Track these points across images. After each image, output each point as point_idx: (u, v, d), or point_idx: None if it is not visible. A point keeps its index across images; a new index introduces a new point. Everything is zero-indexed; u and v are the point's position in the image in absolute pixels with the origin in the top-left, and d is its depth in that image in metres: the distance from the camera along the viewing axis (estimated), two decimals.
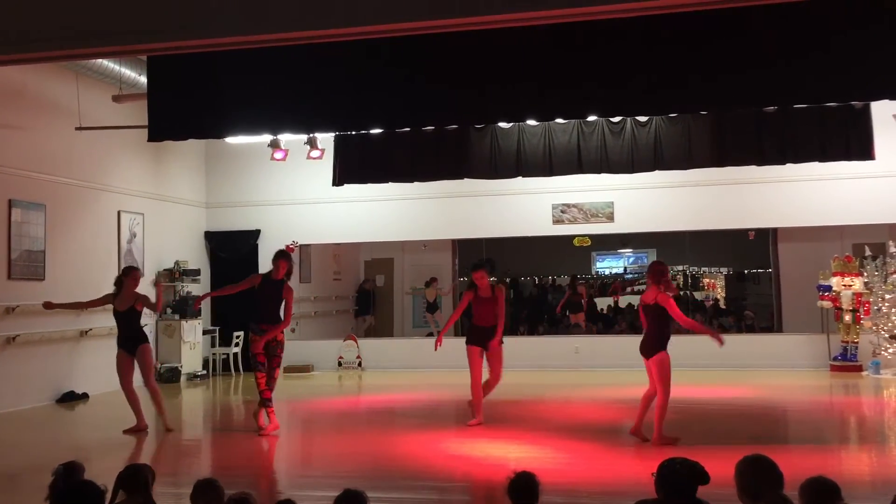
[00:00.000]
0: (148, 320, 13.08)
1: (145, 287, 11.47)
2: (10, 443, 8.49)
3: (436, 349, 8.64)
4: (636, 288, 23.40)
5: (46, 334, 10.85)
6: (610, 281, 22.99)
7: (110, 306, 8.83)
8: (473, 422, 8.50)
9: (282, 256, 8.52)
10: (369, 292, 18.28)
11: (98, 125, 11.51)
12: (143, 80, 10.53)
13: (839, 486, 3.33)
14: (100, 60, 10.71)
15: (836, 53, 7.24)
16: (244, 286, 8.58)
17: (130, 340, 8.70)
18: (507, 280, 21.37)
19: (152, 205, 13.44)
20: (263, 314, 8.45)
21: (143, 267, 13.11)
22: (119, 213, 12.61)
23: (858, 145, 11.05)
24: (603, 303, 20.21)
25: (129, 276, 8.86)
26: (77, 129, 11.25)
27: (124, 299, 8.75)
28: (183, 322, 13.42)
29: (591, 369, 13.10)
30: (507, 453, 7.34)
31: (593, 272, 24.89)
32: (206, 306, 14.39)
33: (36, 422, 9.80)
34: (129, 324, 8.72)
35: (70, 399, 11.03)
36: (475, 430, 8.35)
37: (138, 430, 8.58)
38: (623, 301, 20.25)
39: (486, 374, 8.67)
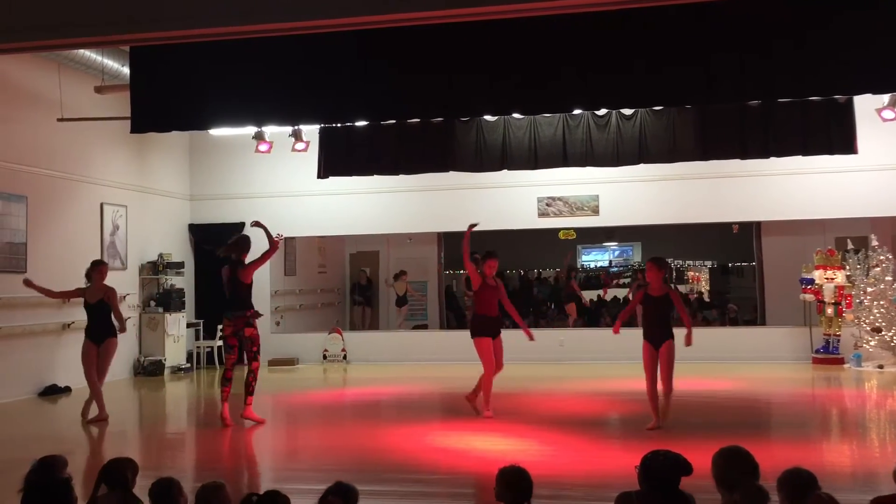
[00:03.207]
0: (131, 313, 13.06)
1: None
2: None
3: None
4: (622, 281, 23.47)
5: (28, 327, 10.76)
6: (596, 274, 23.07)
7: (80, 299, 9.08)
8: (489, 413, 8.53)
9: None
10: (366, 285, 18.20)
11: (81, 116, 11.41)
12: (126, 71, 10.44)
13: (816, 476, 3.35)
14: (82, 51, 10.61)
15: (819, 47, 7.27)
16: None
17: (100, 332, 8.88)
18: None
19: (135, 197, 13.35)
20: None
21: (126, 259, 13.07)
22: (102, 205, 12.52)
23: (841, 140, 11.10)
24: (586, 297, 20.27)
25: (96, 269, 9.04)
26: (59, 120, 11.15)
27: (94, 292, 8.93)
28: (167, 315, 13.36)
29: (576, 362, 13.15)
30: (491, 446, 7.35)
31: (578, 265, 24.96)
32: (189, 300, 14.33)
33: (18, 415, 9.73)
34: (99, 315, 8.90)
35: (52, 392, 10.95)
36: (461, 423, 8.38)
37: (101, 420, 8.73)
38: (608, 294, 20.33)
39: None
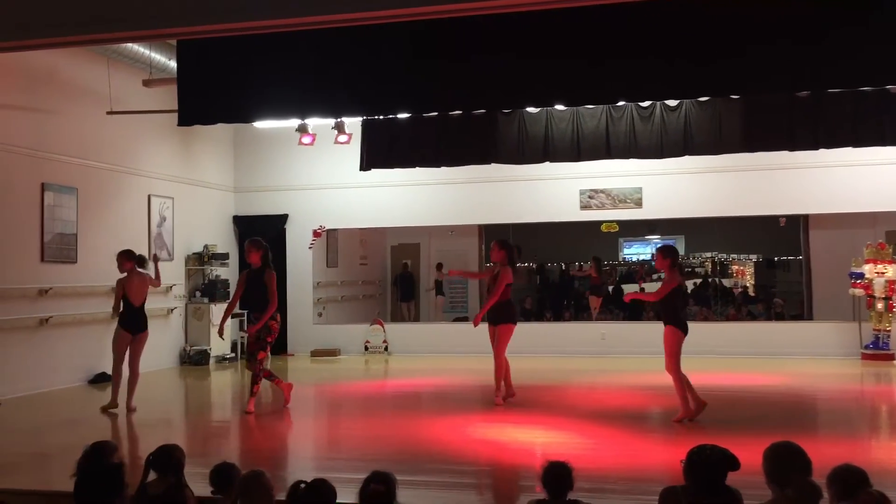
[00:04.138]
0: (177, 303, 13.28)
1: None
2: (44, 422, 8.64)
3: None
4: (661, 275, 23.15)
5: (79, 316, 11.00)
6: (636, 268, 22.84)
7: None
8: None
9: (248, 243, 9.12)
10: (410, 276, 18.32)
11: (129, 109, 11.61)
12: (174, 64, 10.60)
13: (867, 473, 3.29)
14: (130, 45, 10.78)
15: (871, 35, 7.09)
16: (240, 289, 9.22)
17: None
18: (534, 265, 21.35)
19: (182, 189, 13.55)
20: (250, 303, 9.14)
21: (172, 250, 13.29)
22: (149, 196, 12.74)
23: (893, 130, 10.83)
24: (623, 290, 20.11)
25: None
26: (108, 113, 11.35)
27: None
28: (212, 305, 13.55)
29: (618, 356, 13.05)
30: (533, 438, 7.35)
31: (620, 258, 24.76)
32: (233, 290, 14.47)
33: (68, 402, 9.96)
34: None
35: (102, 380, 11.17)
36: (502, 415, 8.39)
37: (114, 409, 8.90)
38: (648, 288, 20.10)
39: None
